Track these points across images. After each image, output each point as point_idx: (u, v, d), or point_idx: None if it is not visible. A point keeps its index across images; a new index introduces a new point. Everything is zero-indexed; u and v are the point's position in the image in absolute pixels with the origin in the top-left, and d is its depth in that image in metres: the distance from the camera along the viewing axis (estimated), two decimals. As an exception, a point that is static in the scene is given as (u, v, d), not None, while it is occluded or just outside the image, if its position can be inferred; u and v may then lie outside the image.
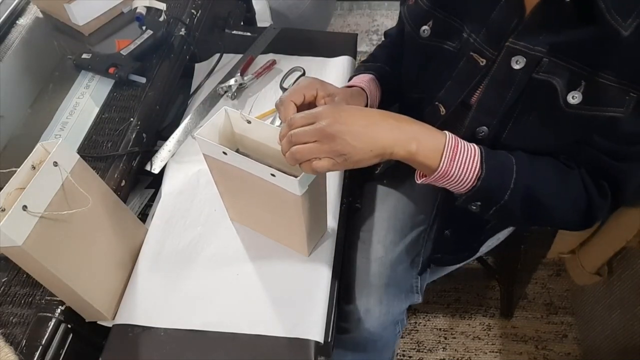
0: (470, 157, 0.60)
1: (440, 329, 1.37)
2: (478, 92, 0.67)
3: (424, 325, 1.38)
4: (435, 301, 1.42)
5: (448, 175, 0.60)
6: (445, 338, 1.36)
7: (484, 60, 0.64)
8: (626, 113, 0.56)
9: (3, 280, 0.70)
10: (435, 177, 0.61)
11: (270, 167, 0.62)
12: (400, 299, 0.83)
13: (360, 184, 0.96)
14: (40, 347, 0.63)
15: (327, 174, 0.67)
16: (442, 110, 0.71)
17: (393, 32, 0.87)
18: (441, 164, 0.59)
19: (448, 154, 0.59)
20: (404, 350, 1.33)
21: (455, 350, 1.34)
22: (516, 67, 0.60)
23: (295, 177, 0.58)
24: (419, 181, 0.65)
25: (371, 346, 0.87)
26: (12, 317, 0.66)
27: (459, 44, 0.67)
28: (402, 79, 0.81)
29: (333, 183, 0.82)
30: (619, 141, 0.60)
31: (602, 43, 0.54)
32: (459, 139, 0.61)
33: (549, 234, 1.05)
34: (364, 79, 0.80)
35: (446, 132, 0.61)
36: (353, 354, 0.90)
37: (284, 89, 0.99)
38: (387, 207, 0.90)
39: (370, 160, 0.58)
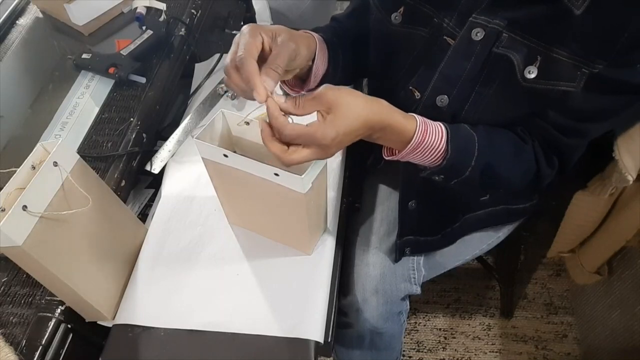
0: (438, 138, 0.63)
1: (440, 329, 1.37)
2: None
3: (424, 325, 1.38)
4: (435, 301, 1.42)
5: (415, 152, 0.64)
6: (445, 338, 1.36)
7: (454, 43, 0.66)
8: (577, 88, 0.60)
9: (3, 280, 0.70)
10: (402, 155, 0.64)
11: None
12: (397, 288, 0.83)
13: (359, 183, 0.97)
14: (40, 347, 0.63)
15: (328, 174, 0.67)
16: (417, 94, 0.73)
17: (341, 17, 0.84)
18: (408, 147, 0.63)
19: (418, 137, 0.62)
20: (404, 350, 1.33)
21: (455, 350, 1.33)
22: (475, 38, 0.63)
23: (299, 175, 0.58)
24: (386, 157, 0.67)
25: (377, 339, 0.87)
26: (12, 317, 0.66)
27: (431, 29, 0.69)
28: (371, 68, 0.81)
29: (333, 183, 0.82)
30: (569, 116, 0.64)
31: (557, 20, 0.58)
32: (427, 122, 0.64)
33: (549, 234, 1.04)
34: (309, 31, 0.75)
35: (416, 118, 0.63)
36: (361, 352, 0.90)
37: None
38: (382, 200, 0.91)
39: None
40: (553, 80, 0.61)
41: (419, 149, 0.63)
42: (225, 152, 0.62)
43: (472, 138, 0.65)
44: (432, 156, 0.64)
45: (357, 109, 0.58)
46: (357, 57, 0.80)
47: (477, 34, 0.63)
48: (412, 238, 0.84)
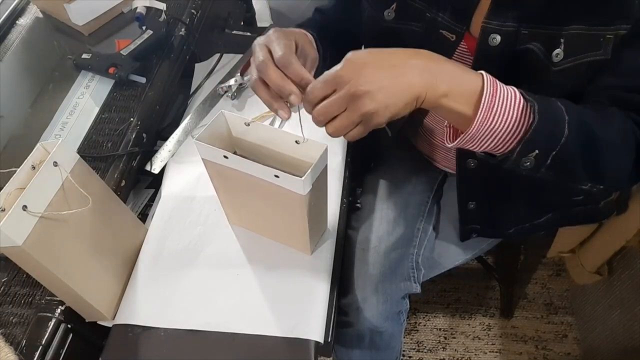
0: (512, 96, 0.53)
1: (440, 329, 1.37)
2: None
3: (424, 325, 1.38)
4: (435, 301, 1.42)
5: (490, 124, 0.52)
6: (445, 338, 1.36)
7: (454, 36, 0.67)
8: (606, 54, 0.58)
9: (3, 280, 0.70)
10: (472, 131, 0.52)
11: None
12: (397, 287, 0.84)
13: (359, 183, 0.97)
14: (40, 347, 0.63)
15: (328, 174, 0.67)
16: None
17: (326, 9, 0.82)
18: (479, 112, 0.51)
19: (487, 96, 0.51)
20: (404, 350, 1.33)
21: (455, 350, 1.34)
22: (493, 44, 0.63)
23: (299, 177, 0.58)
24: (450, 144, 0.57)
25: (377, 339, 0.87)
26: (12, 317, 0.66)
27: (425, 23, 0.69)
28: None
29: (333, 183, 0.82)
30: (632, 77, 0.60)
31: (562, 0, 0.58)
32: (496, 80, 0.53)
33: (549, 234, 1.05)
34: (303, 30, 0.71)
35: (483, 72, 0.54)
36: (361, 351, 0.90)
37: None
38: (382, 199, 0.91)
39: (401, 112, 0.51)
40: (578, 54, 0.60)
41: (495, 107, 0.51)
42: (225, 153, 0.62)
43: (547, 98, 0.56)
44: (514, 116, 0.52)
45: (398, 50, 0.52)
46: (340, 49, 0.76)
47: (494, 40, 0.62)
48: (479, 227, 0.86)
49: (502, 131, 0.53)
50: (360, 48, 0.81)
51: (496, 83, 0.53)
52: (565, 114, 0.54)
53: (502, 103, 0.52)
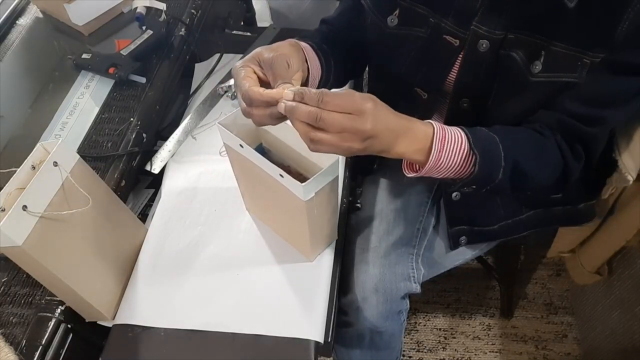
0: (458, 138, 0.62)
1: (440, 329, 1.37)
2: (452, 72, 0.71)
3: (424, 325, 1.38)
4: (435, 301, 1.42)
5: (438, 166, 0.62)
6: (445, 338, 1.36)
7: (457, 41, 0.68)
8: (580, 79, 0.62)
9: (3, 280, 0.70)
10: (426, 169, 0.62)
11: (288, 167, 0.61)
12: (397, 287, 0.84)
13: (359, 183, 0.97)
14: (40, 347, 0.63)
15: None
16: (423, 95, 0.75)
17: (331, 19, 0.84)
18: (431, 156, 0.61)
19: (437, 146, 0.60)
20: (404, 350, 1.33)
21: (455, 350, 1.33)
22: (482, 49, 0.66)
23: (304, 180, 0.58)
24: (409, 175, 0.65)
25: (377, 339, 0.87)
26: (12, 317, 0.66)
27: (428, 29, 0.70)
28: (370, 70, 0.83)
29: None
30: (587, 104, 0.65)
31: (553, 15, 0.60)
32: (445, 128, 0.62)
33: (549, 234, 1.04)
34: (298, 42, 0.72)
35: (432, 122, 0.62)
36: (361, 351, 0.90)
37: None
38: (382, 200, 0.91)
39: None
40: (555, 72, 0.63)
41: (443, 152, 0.61)
42: (241, 142, 0.63)
43: (492, 137, 0.64)
44: (458, 162, 0.62)
45: (383, 111, 0.56)
46: (349, 58, 0.80)
47: (483, 46, 0.65)
48: (466, 228, 0.86)
49: (447, 169, 0.63)
50: (367, 55, 0.83)
51: (444, 132, 0.61)
52: (502, 161, 0.63)
53: (448, 149, 0.61)
